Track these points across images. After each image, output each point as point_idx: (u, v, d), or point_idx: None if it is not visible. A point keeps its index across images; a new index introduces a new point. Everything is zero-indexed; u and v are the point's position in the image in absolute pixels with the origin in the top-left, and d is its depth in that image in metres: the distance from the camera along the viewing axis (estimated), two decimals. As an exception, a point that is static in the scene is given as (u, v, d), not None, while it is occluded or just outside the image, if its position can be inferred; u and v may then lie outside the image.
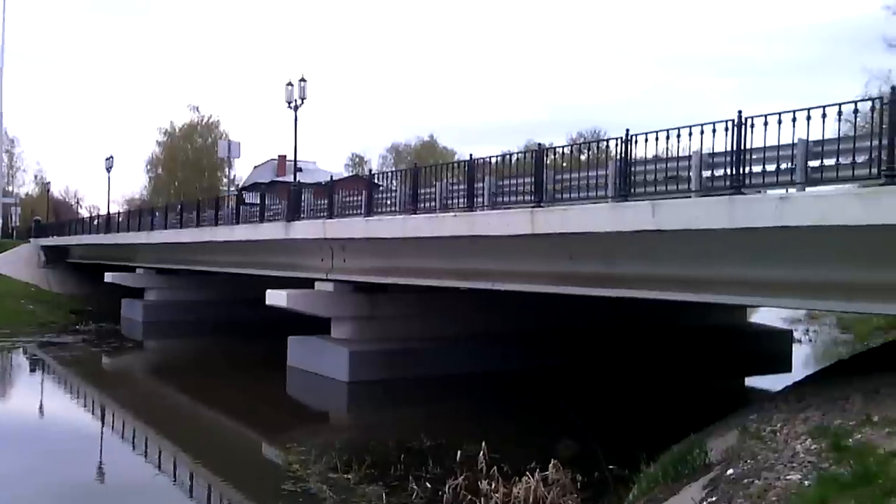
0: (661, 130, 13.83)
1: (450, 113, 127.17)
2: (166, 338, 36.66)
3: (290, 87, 29.67)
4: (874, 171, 10.93)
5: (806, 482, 7.46)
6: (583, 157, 17.73)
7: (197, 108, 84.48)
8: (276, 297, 23.63)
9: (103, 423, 20.36)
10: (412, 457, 13.78)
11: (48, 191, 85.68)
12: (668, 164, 13.97)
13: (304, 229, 24.36)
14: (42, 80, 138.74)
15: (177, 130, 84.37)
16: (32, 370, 29.41)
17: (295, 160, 31.82)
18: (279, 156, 72.63)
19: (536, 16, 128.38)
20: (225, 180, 72.69)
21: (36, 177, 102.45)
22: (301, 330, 24.95)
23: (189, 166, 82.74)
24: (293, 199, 25.39)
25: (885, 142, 10.73)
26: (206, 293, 37.95)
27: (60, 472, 14.26)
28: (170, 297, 39.24)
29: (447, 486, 11.28)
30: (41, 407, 21.72)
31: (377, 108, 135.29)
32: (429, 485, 12.13)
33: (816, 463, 7.99)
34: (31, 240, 55.90)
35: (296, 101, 29.54)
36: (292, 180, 29.35)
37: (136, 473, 14.85)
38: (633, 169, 14.37)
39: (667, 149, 14.16)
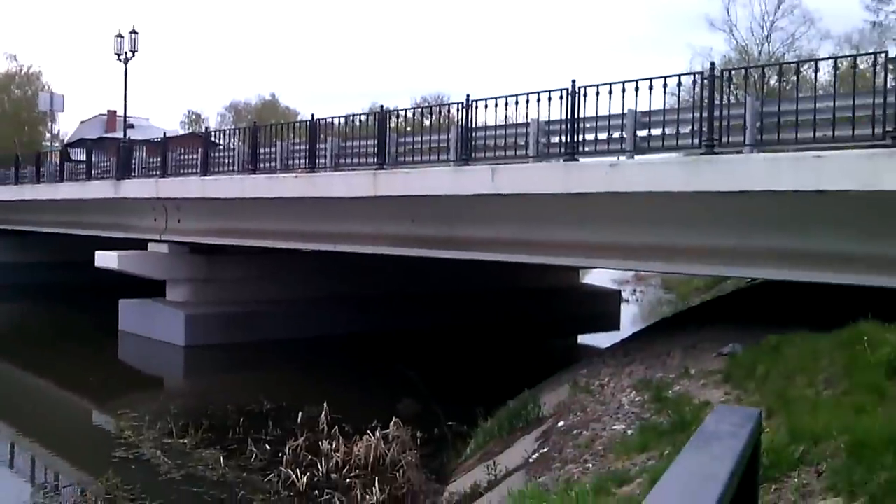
0: (500, 97, 14.17)
1: (293, 74, 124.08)
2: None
3: (119, 39, 27.99)
4: (696, 141, 11.69)
5: (629, 431, 7.97)
6: (427, 122, 17.90)
7: (14, 57, 77.75)
8: (105, 259, 22.46)
9: None
10: (252, 420, 13.56)
11: None
12: (508, 131, 14.33)
13: (136, 188, 23.23)
14: None
15: (-9, 80, 77.60)
16: None
17: (126, 115, 30.13)
18: (108, 111, 68.40)
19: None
20: (48, 136, 67.76)
21: None
22: (134, 294, 23.81)
23: (6, 119, 76.35)
24: (123, 156, 24.13)
25: (705, 114, 11.47)
26: (30, 255, 35.26)
27: None
28: (-12, 260, 36.31)
29: (287, 447, 11.21)
30: None
31: (216, 65, 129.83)
32: (268, 447, 12.01)
33: (639, 413, 8.55)
34: None
35: (126, 53, 27.94)
36: (122, 137, 27.79)
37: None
38: (474, 134, 14.64)
39: (506, 116, 14.52)
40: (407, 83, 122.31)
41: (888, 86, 10.06)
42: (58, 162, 29.79)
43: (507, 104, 14.13)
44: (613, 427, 8.31)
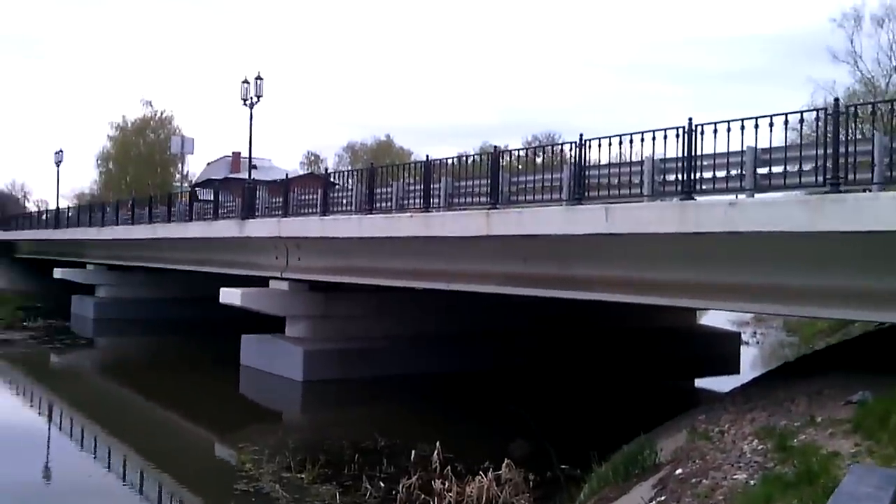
0: (614, 136, 14.07)
1: (406, 114, 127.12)
2: (118, 335, 36.08)
3: (245, 85, 29.45)
4: (819, 178, 11.27)
5: (752, 482, 7.67)
6: (538, 161, 17.96)
7: (150, 103, 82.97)
8: (229, 296, 23.42)
9: (51, 422, 20.01)
10: (366, 457, 13.79)
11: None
12: (622, 169, 14.20)
13: (259, 227, 24.20)
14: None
15: (129, 125, 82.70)
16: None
17: (250, 157, 31.57)
18: (233, 153, 71.85)
19: (492, 19, 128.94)
20: (178, 176, 71.62)
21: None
22: (255, 329, 24.76)
23: (141, 162, 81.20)
24: (248, 196, 25.21)
25: (829, 151, 11.07)
26: (158, 291, 37.41)
27: (6, 473, 13.97)
28: (121, 294, 38.62)
29: (401, 486, 11.33)
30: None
31: (333, 106, 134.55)
32: (382, 484, 12.18)
33: (762, 463, 8.22)
34: (-24, 235, 54.56)
35: (251, 98, 29.33)
36: (247, 177, 29.11)
37: (85, 474, 14.63)
38: (587, 173, 14.58)
39: (619, 154, 14.42)
40: (514, 119, 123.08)
41: None
42: (187, 202, 31.40)
43: (621, 143, 14.03)
44: (735, 476, 8.02)
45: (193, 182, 71.90)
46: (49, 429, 19.20)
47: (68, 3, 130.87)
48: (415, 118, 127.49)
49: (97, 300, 39.35)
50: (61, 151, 53.09)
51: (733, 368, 26.55)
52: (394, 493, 11.38)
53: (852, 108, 12.14)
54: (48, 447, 16.99)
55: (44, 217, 49.41)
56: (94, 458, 16.02)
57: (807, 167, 11.58)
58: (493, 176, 16.35)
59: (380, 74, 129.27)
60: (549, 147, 17.56)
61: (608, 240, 13.83)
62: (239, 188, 27.97)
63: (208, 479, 14.38)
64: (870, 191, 10.86)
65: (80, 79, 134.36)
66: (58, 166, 53.19)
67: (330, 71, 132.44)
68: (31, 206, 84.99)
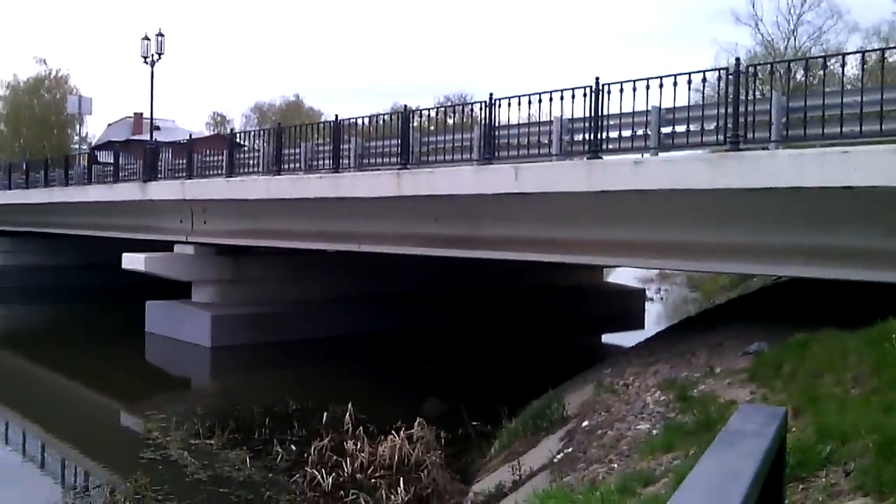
0: (523, 95, 14.16)
1: (316, 74, 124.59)
2: (14, 305, 34.45)
3: (146, 42, 28.30)
4: (720, 137, 11.58)
5: (654, 431, 7.92)
6: (450, 121, 17.91)
7: (44, 61, 78.79)
8: (132, 261, 22.69)
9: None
10: (277, 421, 13.63)
11: None
12: (531, 129, 14.29)
13: (162, 190, 23.44)
14: None
15: (21, 84, 78.61)
16: None
17: (151, 118, 30.49)
18: (135, 113, 69.03)
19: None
20: (76, 138, 68.57)
21: None
22: (162, 296, 24.05)
23: (36, 123, 77.41)
24: (150, 158, 24.35)
25: (730, 110, 11.37)
26: (59, 257, 35.81)
27: None
28: (16, 262, 36.75)
29: (312, 448, 11.24)
30: None
31: (240, 66, 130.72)
32: (294, 447, 12.07)
33: (664, 413, 8.49)
34: None
35: (152, 56, 28.24)
36: (149, 139, 28.09)
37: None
38: (496, 133, 14.61)
39: (529, 114, 14.49)
40: (430, 81, 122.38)
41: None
42: (86, 165, 30.17)
43: (530, 102, 14.12)
44: (638, 427, 8.26)
45: (93, 144, 68.96)
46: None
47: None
48: (325, 79, 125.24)
49: (-9, 267, 37.47)
50: (-54, 112, 50.02)
51: (639, 324, 27.37)
52: (305, 455, 11.28)
53: (752, 69, 12.50)
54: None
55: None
56: (-9, 432, 15.36)
57: (709, 126, 11.88)
58: (403, 136, 16.23)
59: (289, 34, 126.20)
60: (460, 107, 17.50)
61: (518, 199, 13.94)
62: (141, 150, 27.01)
63: (114, 449, 13.97)
64: (768, 149, 11.22)
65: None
66: (-57, 127, 50.13)
67: (237, 29, 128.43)
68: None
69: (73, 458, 13.52)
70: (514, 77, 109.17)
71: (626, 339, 21.93)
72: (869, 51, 15.15)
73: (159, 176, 24.10)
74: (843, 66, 12.18)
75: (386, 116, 18.20)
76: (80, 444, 14.10)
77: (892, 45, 29.20)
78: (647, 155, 12.69)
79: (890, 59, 14.32)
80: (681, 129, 12.49)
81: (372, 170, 17.16)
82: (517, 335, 24.35)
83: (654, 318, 28.91)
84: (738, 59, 11.98)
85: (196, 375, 21.44)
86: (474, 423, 11.71)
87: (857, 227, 10.62)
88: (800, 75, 17.91)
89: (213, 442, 12.65)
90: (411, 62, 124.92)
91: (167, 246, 23.56)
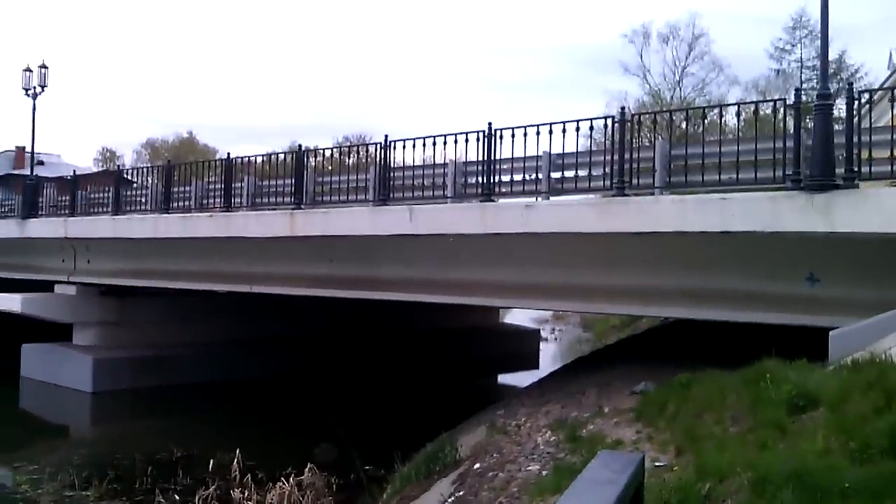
0: (418, 137, 14.24)
1: (212, 112, 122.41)
2: None
3: (28, 73, 27.10)
4: (608, 183, 11.95)
5: (544, 472, 7.94)
6: (349, 161, 17.85)
7: (-84, 89, 74.85)
8: (8, 302, 21.49)
9: None
10: (161, 469, 13.04)
11: None
12: (426, 171, 14.40)
13: (42, 227, 22.42)
14: None
15: None
16: None
17: (32, 152, 29.01)
18: (17, 147, 66.05)
19: (301, 18, 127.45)
20: (-50, 171, 64.94)
21: None
22: (41, 338, 22.79)
23: None
24: (29, 193, 23.29)
25: (616, 157, 11.76)
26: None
27: None
28: None
29: (197, 497, 10.81)
30: None
31: (133, 102, 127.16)
32: (178, 497, 11.56)
33: (554, 454, 8.54)
34: None
35: (35, 88, 27.02)
36: (30, 174, 26.82)
37: None
38: (392, 174, 14.65)
39: (424, 156, 14.61)
40: (329, 120, 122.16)
41: (788, 131, 10.52)
42: (-41, 200, 28.49)
43: (424, 145, 14.22)
44: (529, 468, 8.28)
45: (-31, 178, 65.41)
46: None
47: None
48: (222, 116, 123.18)
49: None
50: None
51: (533, 364, 27.71)
52: (189, 505, 10.83)
53: (637, 117, 13.00)
54: None
55: None
56: None
57: (597, 172, 12.24)
58: (297, 175, 16.07)
59: (184, 68, 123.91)
60: (356, 147, 17.50)
61: (413, 240, 13.96)
62: (21, 185, 25.75)
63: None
64: (653, 195, 11.63)
65: None
66: None
67: (129, 64, 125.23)
68: None
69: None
70: (414, 118, 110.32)
71: (521, 379, 22.14)
72: (745, 103, 16.03)
73: (40, 213, 23.04)
74: (720, 116, 12.83)
75: (281, 155, 17.99)
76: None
77: (767, 99, 30.97)
78: (539, 199, 12.96)
79: (765, 111, 15.15)
80: (570, 174, 12.83)
81: (266, 209, 16.89)
82: (414, 377, 24.22)
83: (549, 358, 29.33)
84: (622, 108, 12.45)
85: (75, 423, 20.29)
86: (367, 467, 11.54)
87: (736, 271, 11.09)
88: (683, 124, 18.78)
89: (89, 493, 11.99)
90: (311, 101, 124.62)
91: (48, 286, 22.45)
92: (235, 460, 11.86)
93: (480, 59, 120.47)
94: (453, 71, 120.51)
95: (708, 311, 11.49)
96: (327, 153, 18.06)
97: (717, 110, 14.78)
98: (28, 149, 38.24)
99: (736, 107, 13.13)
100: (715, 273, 11.28)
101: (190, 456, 14.01)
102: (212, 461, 12.23)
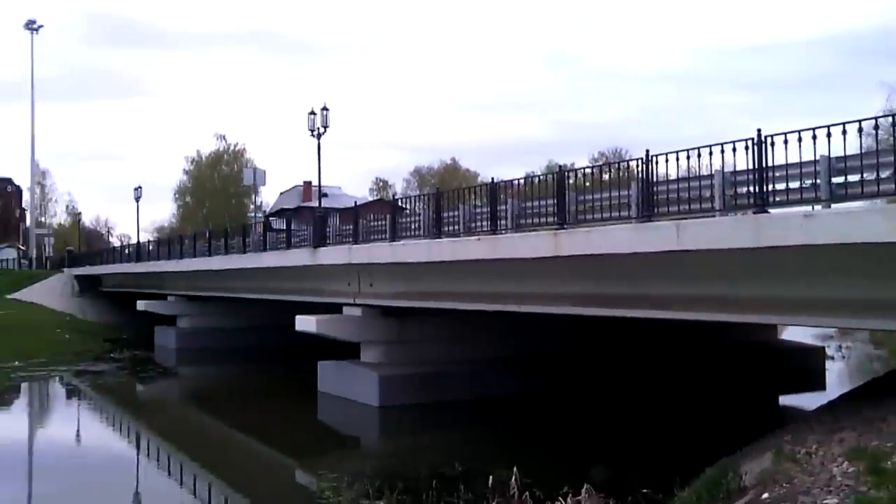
0: (681, 150, 13.83)
1: (469, 135, 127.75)
2: (198, 364, 37.04)
3: (312, 116, 30.07)
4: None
5: (842, 506, 7.40)
6: (605, 178, 17.78)
7: (223, 137, 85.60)
8: (305, 323, 23.81)
9: (139, 450, 20.62)
10: (444, 483, 13.70)
11: (79, 221, 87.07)
12: (691, 184, 13.94)
13: (331, 255, 24.56)
14: (69, 113, 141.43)
15: (203, 159, 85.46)
16: (69, 398, 29.93)
17: (319, 186, 32.12)
18: (304, 182, 73.27)
19: (542, 34, 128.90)
20: (252, 207, 73.35)
21: (67, 207, 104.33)
22: (330, 354, 25.10)
23: (216, 194, 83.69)
24: (318, 225, 25.64)
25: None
26: (236, 319, 38.29)
27: (99, 500, 14.45)
28: (201, 324, 39.62)
29: (479, 513, 11.25)
30: (77, 435, 22.01)
31: (399, 131, 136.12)
32: (461, 511, 12.10)
33: (854, 486, 7.91)
34: (65, 269, 56.81)
35: (318, 129, 29.93)
36: (317, 206, 29.63)
37: (171, 500, 15.01)
38: (655, 189, 14.37)
39: (688, 168, 14.16)
40: (578, 137, 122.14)
41: None
42: (261, 232, 32.12)
43: (688, 157, 13.80)
44: (825, 501, 7.74)
45: (267, 212, 73.51)
46: (137, 456, 19.79)
47: (141, 45, 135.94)
48: (478, 138, 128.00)
49: (178, 330, 40.49)
50: (140, 188, 55.05)
51: (818, 385, 25.65)
52: (472, 519, 11.31)
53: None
54: (137, 474, 17.54)
55: (126, 251, 51.20)
56: (181, 485, 16.40)
57: (883, 174, 11.17)
58: (559, 195, 16.25)
59: (441, 97, 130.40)
60: (616, 164, 17.39)
61: (680, 256, 13.58)
62: (311, 217, 28.48)
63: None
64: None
65: (157, 116, 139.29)
66: (137, 202, 55.13)
67: (394, 96, 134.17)
68: (115, 241, 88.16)
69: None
70: (668, 131, 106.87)
71: (805, 401, 20.62)
72: None
73: (328, 241, 25.29)
74: None
75: (542, 177, 18.34)
76: (257, 499, 14.79)
77: None
78: (818, 207, 12.07)
79: None
80: (853, 178, 11.81)
81: (529, 230, 17.27)
82: (687, 396, 23.44)
83: (836, 379, 26.98)
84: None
85: (364, 435, 22.03)
86: (644, 490, 11.34)
87: None
88: None
89: (382, 503, 12.90)
90: (558, 117, 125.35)
91: (335, 308, 24.59)
92: (513, 477, 12.15)
93: (736, 59, 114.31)
94: (701, 76, 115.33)
95: None
96: (587, 171, 18.07)
97: None
98: (314, 183, 42.27)
99: None
100: None
101: (470, 471, 14.54)
102: (490, 477, 12.61)
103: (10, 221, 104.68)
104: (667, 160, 14.09)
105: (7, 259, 77.14)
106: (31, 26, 65.50)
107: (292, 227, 29.22)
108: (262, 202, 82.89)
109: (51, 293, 51.85)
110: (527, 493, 11.52)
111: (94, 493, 14.96)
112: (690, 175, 14.21)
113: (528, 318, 19.45)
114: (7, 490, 15.41)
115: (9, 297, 50.90)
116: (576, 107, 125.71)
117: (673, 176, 14.23)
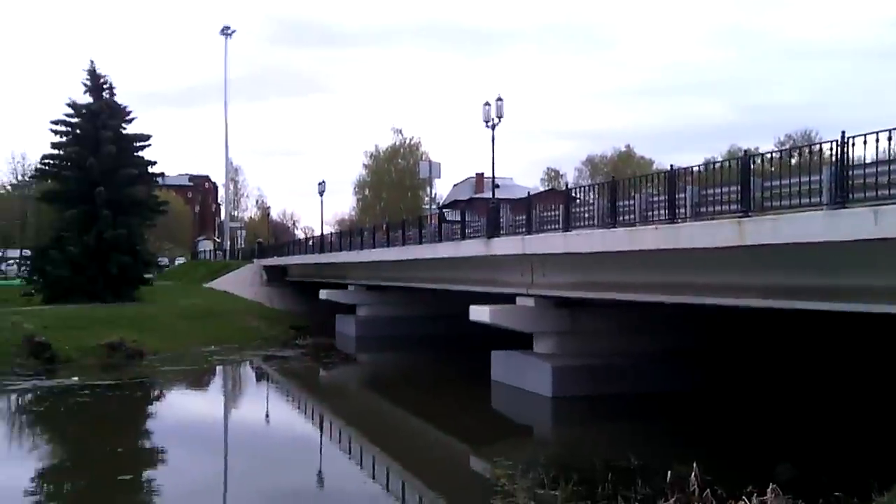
0: (882, 130, 12.79)
1: (644, 120, 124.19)
2: (376, 351, 38.54)
3: (487, 107, 30.39)
4: None
5: None
6: (793, 162, 16.77)
7: (400, 131, 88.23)
8: (479, 313, 24.17)
9: (321, 431, 21.74)
10: (619, 476, 13.51)
11: (268, 214, 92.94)
12: (892, 167, 12.87)
13: (504, 245, 24.73)
14: (253, 111, 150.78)
15: (381, 153, 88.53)
16: (258, 381, 32.11)
17: (493, 177, 32.43)
18: (477, 174, 74.29)
19: (717, 6, 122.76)
20: (427, 199, 75.23)
21: (257, 202, 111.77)
22: (501, 344, 25.35)
23: (393, 187, 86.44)
24: (492, 216, 25.86)
25: None
26: (411, 309, 39.51)
27: (282, 478, 15.40)
28: (379, 313, 41.17)
29: (658, 508, 11.02)
30: (266, 416, 23.52)
31: (570, 119, 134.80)
32: (639, 506, 11.90)
33: None
34: (254, 260, 60.63)
35: (493, 119, 30.22)
36: (490, 197, 29.92)
37: (352, 480, 15.76)
38: (850, 173, 13.40)
39: (889, 149, 13.07)
40: (762, 119, 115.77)
41: None
42: (436, 224, 32.86)
43: (889, 137, 12.74)
44: None
45: (441, 204, 75.14)
46: (320, 437, 20.89)
47: (317, 43, 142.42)
48: (653, 124, 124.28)
49: (358, 319, 42.25)
50: (324, 182, 57.76)
51: None
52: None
53: None
54: (320, 454, 18.52)
55: (310, 243, 53.91)
56: (360, 467, 17.15)
57: None
58: (743, 182, 15.50)
59: (614, 83, 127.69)
60: (805, 148, 16.33)
61: (876, 245, 12.60)
62: (484, 208, 28.81)
63: (466, 492, 14.85)
64: None
65: (338, 113, 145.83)
66: (321, 195, 57.91)
67: (566, 84, 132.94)
68: (300, 233, 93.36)
69: (429, 497, 14.59)
70: (856, 111, 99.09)
71: None
72: None
73: (501, 232, 25.46)
74: None
75: (723, 162, 17.56)
76: (434, 484, 15.16)
77: None
78: None
79: None
80: None
81: (709, 218, 16.60)
82: (877, 395, 21.74)
83: None
84: None
85: (538, 424, 22.10)
86: (836, 493, 10.67)
87: None
88: None
89: (557, 493, 12.89)
90: (740, 100, 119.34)
91: (507, 298, 24.77)
92: (693, 474, 11.79)
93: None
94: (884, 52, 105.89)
95: None
96: (773, 156, 17.11)
97: None
98: (486, 174, 42.81)
99: None
100: None
101: (646, 465, 14.29)
102: (669, 472, 12.32)
103: (207, 215, 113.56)
104: (864, 142, 13.08)
105: (204, 251, 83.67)
106: (226, 32, 70.18)
107: (466, 219, 29.68)
108: (436, 194, 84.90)
109: (242, 282, 55.46)
110: (707, 490, 11.17)
111: (281, 470, 15.91)
112: (891, 157, 13.12)
113: (700, 312, 18.74)
114: (208, 463, 16.89)
115: (205, 286, 54.98)
116: (758, 87, 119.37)
117: (869, 159, 13.21)
